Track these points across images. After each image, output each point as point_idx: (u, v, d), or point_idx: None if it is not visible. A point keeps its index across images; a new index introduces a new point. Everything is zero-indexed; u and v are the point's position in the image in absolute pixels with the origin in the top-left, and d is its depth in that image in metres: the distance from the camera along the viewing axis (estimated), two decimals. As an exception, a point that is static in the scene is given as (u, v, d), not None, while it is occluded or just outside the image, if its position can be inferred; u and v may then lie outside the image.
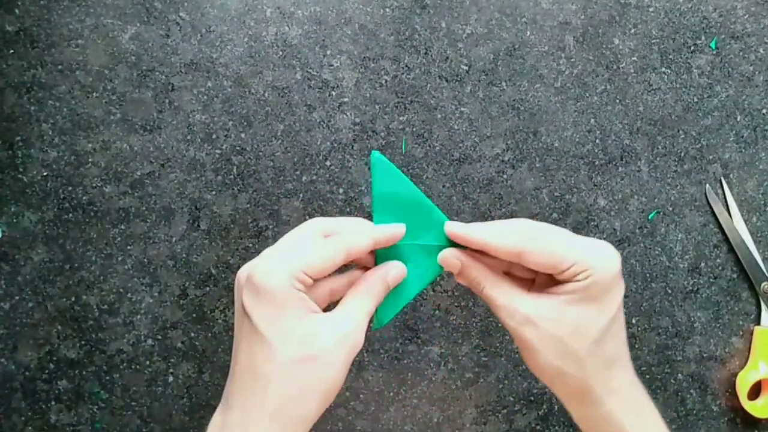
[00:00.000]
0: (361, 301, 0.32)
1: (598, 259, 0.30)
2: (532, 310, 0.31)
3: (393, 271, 0.33)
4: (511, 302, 0.32)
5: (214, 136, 0.50)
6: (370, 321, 0.33)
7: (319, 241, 0.32)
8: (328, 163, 0.51)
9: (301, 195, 0.50)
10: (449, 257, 0.34)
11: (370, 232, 0.33)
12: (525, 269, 0.34)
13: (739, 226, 0.54)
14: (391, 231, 0.33)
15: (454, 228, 0.33)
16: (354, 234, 0.32)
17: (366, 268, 0.35)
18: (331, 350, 0.30)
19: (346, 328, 0.30)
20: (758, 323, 0.55)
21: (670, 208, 0.54)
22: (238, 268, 0.49)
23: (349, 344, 0.30)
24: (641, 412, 0.33)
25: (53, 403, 0.48)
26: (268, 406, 0.29)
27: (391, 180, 0.34)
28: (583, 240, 0.32)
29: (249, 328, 0.30)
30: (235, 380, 0.30)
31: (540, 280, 0.34)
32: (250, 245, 0.50)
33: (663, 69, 0.54)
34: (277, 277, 0.30)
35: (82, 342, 0.48)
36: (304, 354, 0.29)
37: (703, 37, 0.55)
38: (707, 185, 0.54)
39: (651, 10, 0.54)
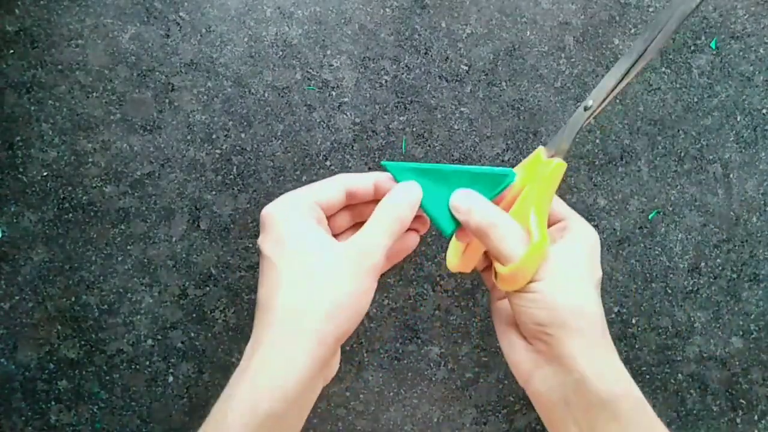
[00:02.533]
0: (378, 225, 0.34)
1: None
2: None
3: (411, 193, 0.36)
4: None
5: (214, 136, 0.50)
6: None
7: (324, 180, 0.37)
8: (328, 163, 0.51)
9: (301, 195, 0.50)
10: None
11: (372, 175, 0.37)
12: None
13: None
14: (400, 188, 0.36)
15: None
16: (356, 175, 0.37)
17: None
18: (333, 264, 0.32)
19: (357, 246, 0.33)
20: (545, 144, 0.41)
21: (670, 208, 0.54)
22: (238, 268, 0.50)
23: (354, 259, 0.32)
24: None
25: (53, 403, 0.48)
26: (277, 321, 0.31)
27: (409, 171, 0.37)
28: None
29: (262, 260, 0.33)
30: (255, 314, 0.33)
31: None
32: (250, 245, 0.50)
33: (663, 69, 0.54)
34: (283, 209, 0.34)
35: (82, 342, 0.48)
36: (305, 269, 0.32)
37: (703, 37, 0.55)
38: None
39: (651, 10, 0.54)
